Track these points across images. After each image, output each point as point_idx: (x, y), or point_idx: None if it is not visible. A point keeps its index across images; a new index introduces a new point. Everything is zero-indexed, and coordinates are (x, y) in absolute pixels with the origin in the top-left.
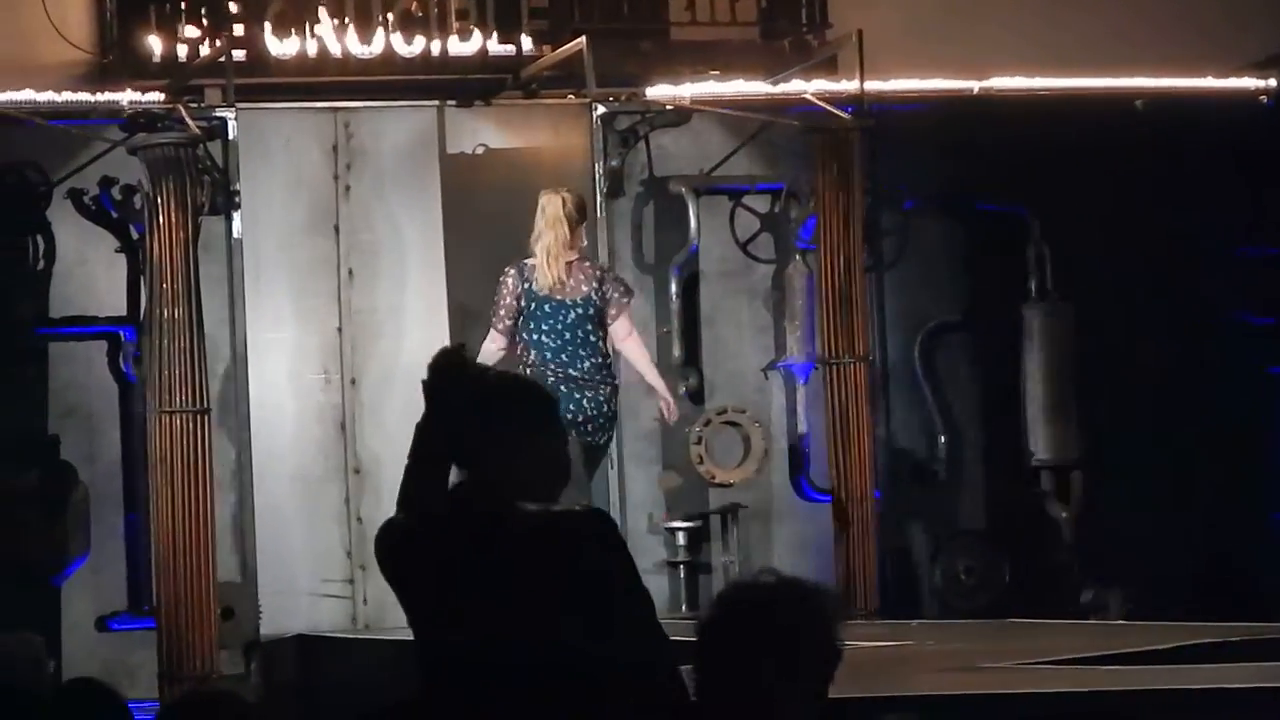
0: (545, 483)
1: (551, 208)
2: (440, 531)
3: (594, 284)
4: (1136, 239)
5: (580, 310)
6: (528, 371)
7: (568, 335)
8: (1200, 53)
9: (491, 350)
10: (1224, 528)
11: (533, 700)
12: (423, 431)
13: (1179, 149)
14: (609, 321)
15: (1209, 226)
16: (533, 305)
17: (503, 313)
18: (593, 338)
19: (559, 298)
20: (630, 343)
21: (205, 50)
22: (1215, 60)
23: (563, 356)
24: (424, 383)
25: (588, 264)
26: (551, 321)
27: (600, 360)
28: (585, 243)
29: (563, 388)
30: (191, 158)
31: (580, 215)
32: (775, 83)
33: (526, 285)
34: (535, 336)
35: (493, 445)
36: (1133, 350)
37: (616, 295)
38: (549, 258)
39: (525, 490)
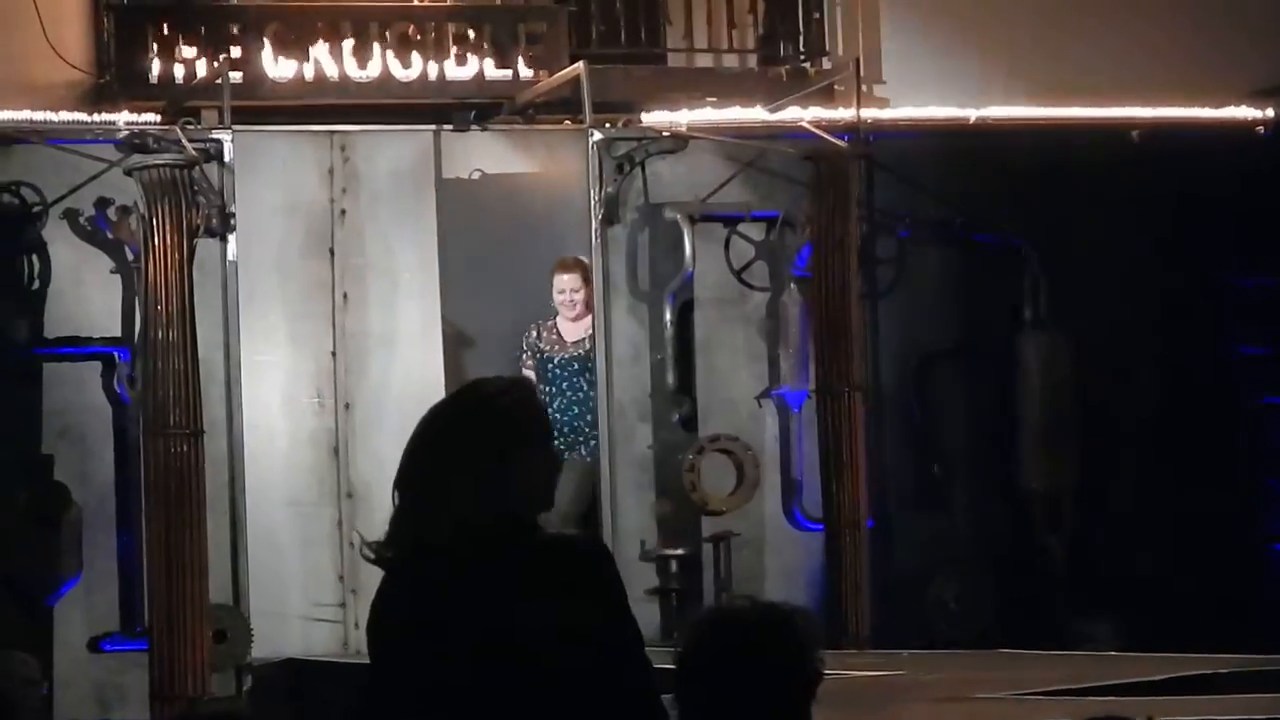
0: (538, 501)
1: None
2: (443, 558)
3: None
4: (1132, 269)
5: None
6: None
7: None
8: (1197, 83)
9: None
10: (1218, 558)
11: None
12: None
13: (1175, 179)
14: None
15: (1205, 257)
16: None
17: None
18: None
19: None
20: None
21: (202, 71)
22: (1212, 91)
23: None
24: None
25: None
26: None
27: None
28: None
29: None
30: (187, 179)
31: None
32: (772, 110)
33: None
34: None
35: (499, 467)
36: (1127, 380)
37: None
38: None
39: (520, 509)
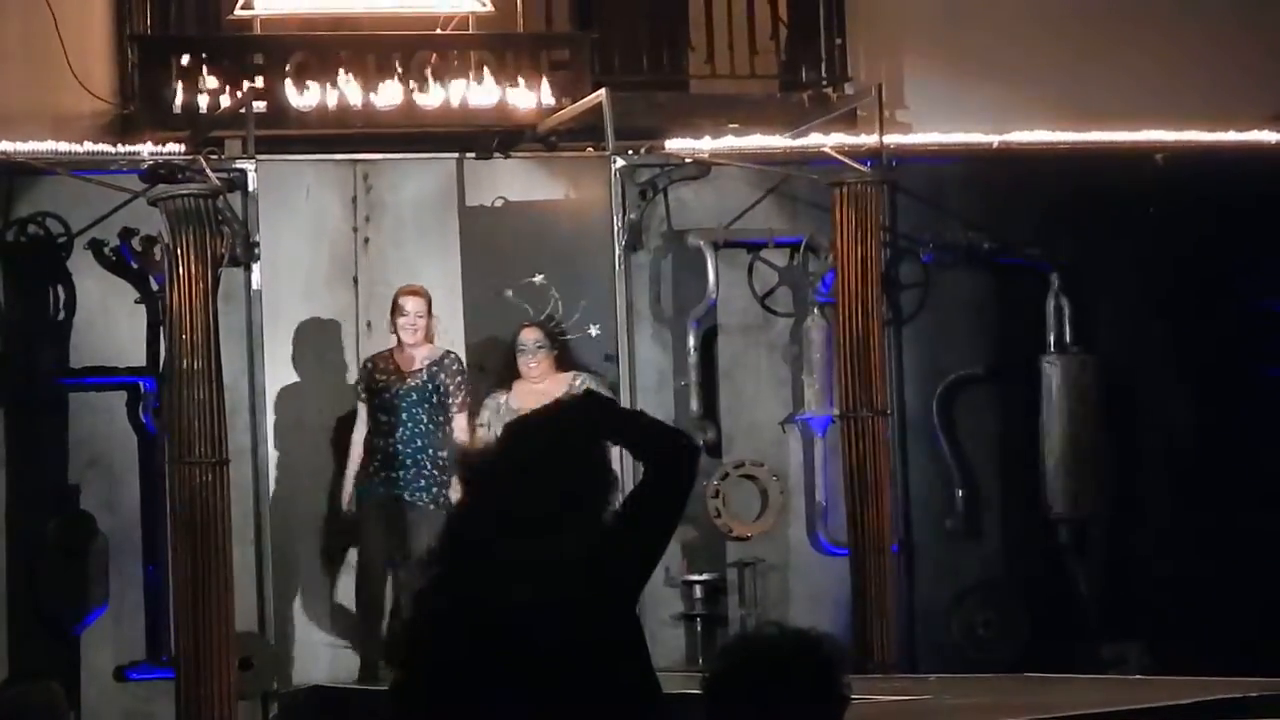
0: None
1: None
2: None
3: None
4: (1158, 293)
5: None
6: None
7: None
8: (1222, 107)
9: None
10: (1248, 581)
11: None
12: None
13: (1201, 203)
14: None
15: (1232, 280)
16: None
17: None
18: None
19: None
20: None
21: (226, 101)
22: (1237, 115)
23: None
24: None
25: None
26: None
27: None
28: None
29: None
30: (212, 209)
31: None
32: (795, 136)
33: None
34: None
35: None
36: (1154, 404)
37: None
38: None
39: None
